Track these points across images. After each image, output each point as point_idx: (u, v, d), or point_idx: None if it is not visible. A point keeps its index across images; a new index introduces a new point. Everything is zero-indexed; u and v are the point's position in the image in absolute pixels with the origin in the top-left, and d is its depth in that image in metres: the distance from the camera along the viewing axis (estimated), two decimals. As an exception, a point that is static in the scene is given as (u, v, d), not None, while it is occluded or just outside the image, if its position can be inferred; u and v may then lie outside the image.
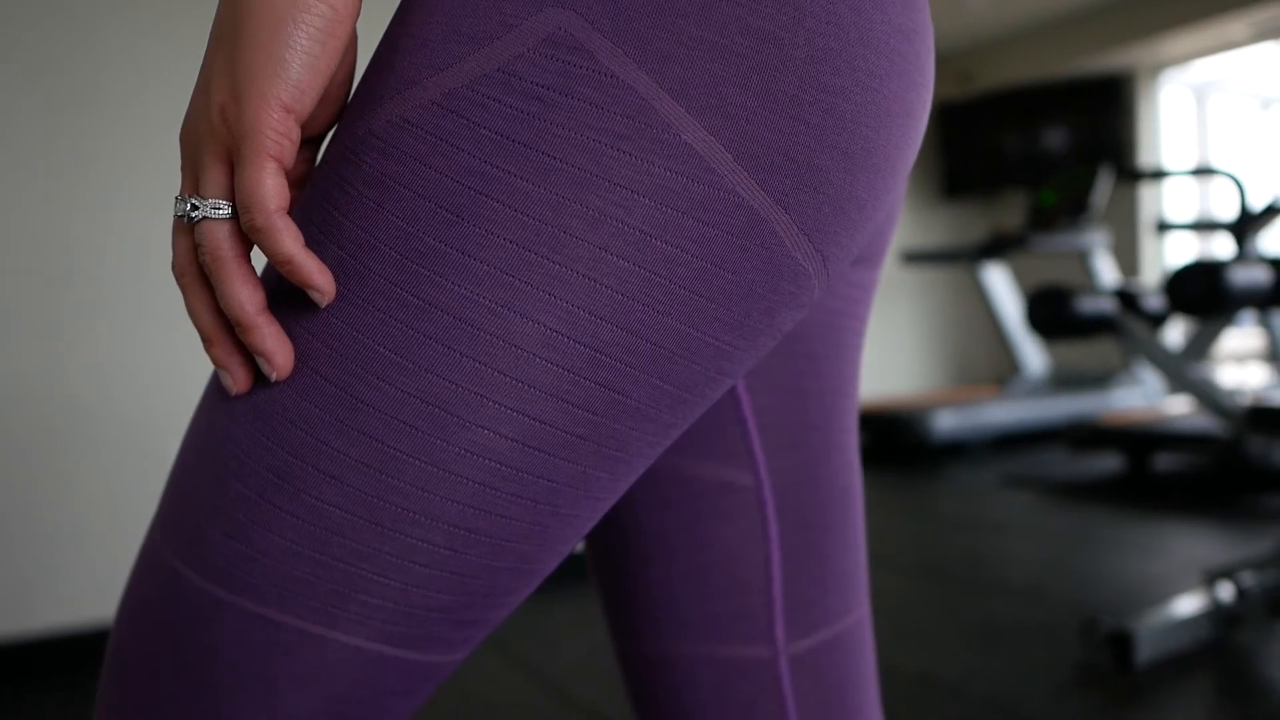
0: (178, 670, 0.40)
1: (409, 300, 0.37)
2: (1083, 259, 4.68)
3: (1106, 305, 2.23)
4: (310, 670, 0.39)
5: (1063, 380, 5.13)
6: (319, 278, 0.37)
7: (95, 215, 2.25)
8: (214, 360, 0.39)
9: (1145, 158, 5.67)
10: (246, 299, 0.37)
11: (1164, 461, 4.18)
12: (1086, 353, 5.93)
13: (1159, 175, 2.24)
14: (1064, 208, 4.40)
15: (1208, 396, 2.04)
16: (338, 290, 0.38)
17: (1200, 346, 2.18)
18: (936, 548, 2.98)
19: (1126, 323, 2.21)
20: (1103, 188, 4.18)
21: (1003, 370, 6.40)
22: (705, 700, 0.56)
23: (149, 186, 2.31)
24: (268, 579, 0.39)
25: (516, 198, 0.37)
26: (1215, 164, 2.20)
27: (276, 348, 0.38)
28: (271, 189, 0.36)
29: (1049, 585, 2.52)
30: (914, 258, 4.86)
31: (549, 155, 0.37)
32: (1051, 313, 2.19)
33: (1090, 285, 2.08)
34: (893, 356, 6.22)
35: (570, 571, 2.77)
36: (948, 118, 6.35)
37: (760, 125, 0.38)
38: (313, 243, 0.39)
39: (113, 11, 2.28)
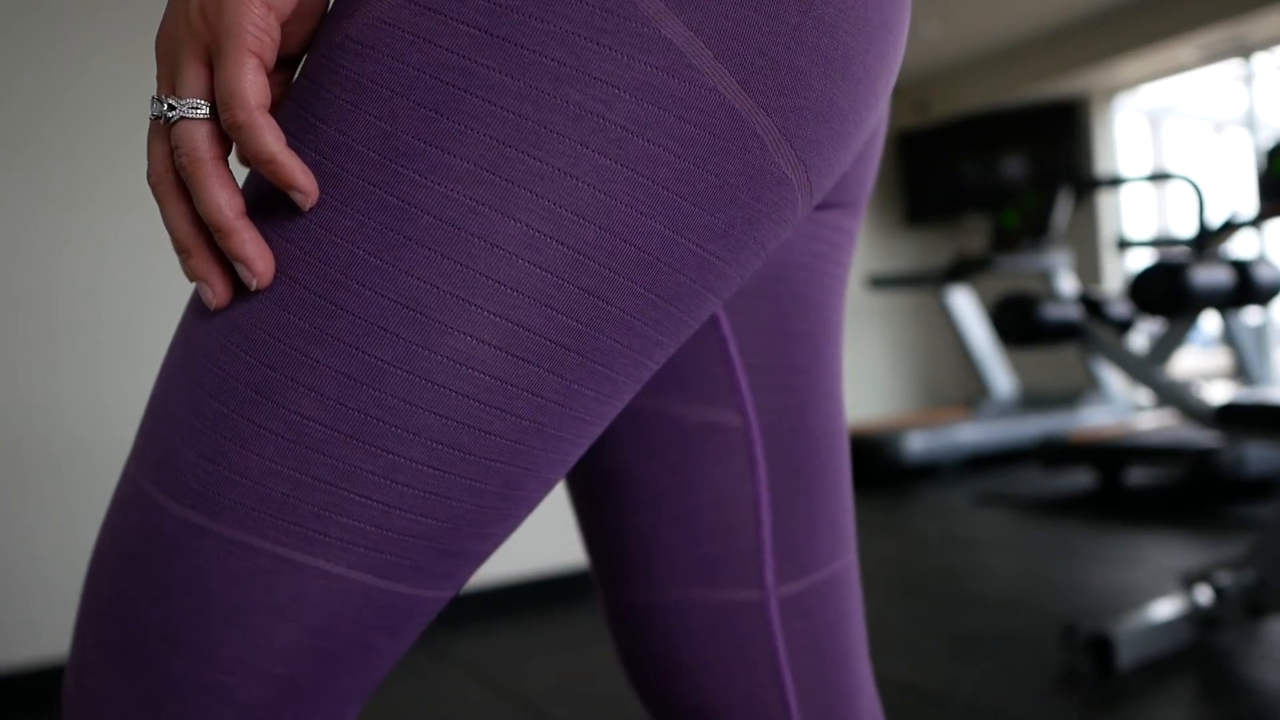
0: (154, 603, 0.39)
1: (388, 201, 0.36)
2: (1046, 279, 4.74)
3: (1072, 312, 2.25)
4: (290, 600, 0.38)
5: (1031, 400, 5.17)
6: (301, 177, 0.36)
7: (52, 239, 2.22)
8: (192, 273, 0.38)
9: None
10: (225, 203, 0.36)
11: (1136, 476, 4.21)
12: (1054, 372, 5.98)
13: (1116, 182, 2.27)
14: (1026, 229, 4.45)
15: (1176, 397, 2.05)
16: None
17: (1165, 349, 2.20)
18: (913, 564, 2.97)
19: (1091, 328, 2.23)
20: (1063, 208, 4.24)
21: (971, 392, 6.44)
22: (696, 644, 0.55)
23: (106, 211, 2.28)
24: (247, 502, 0.37)
25: (495, 93, 0.36)
26: (1172, 170, 2.23)
27: (257, 253, 0.37)
28: (252, 84, 0.35)
29: (1027, 597, 2.51)
30: (879, 282, 4.90)
31: (527, 49, 0.36)
32: (1017, 320, 2.21)
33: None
34: (862, 381, 6.24)
35: (542, 595, 2.74)
36: (907, 146, 6.43)
37: (740, 23, 0.38)
38: None
39: (79, 21, 2.26)
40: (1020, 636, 2.19)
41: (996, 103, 5.97)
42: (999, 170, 6.07)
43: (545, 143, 0.36)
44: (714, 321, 0.54)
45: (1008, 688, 1.89)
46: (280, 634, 0.38)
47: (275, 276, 0.37)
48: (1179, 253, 2.37)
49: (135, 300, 2.31)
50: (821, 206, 0.55)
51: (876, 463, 4.47)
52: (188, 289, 2.36)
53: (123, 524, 0.40)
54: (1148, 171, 2.45)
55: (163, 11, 2.33)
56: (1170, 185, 6.34)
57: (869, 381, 6.28)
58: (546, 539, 2.76)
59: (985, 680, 1.94)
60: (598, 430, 0.42)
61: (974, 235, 6.53)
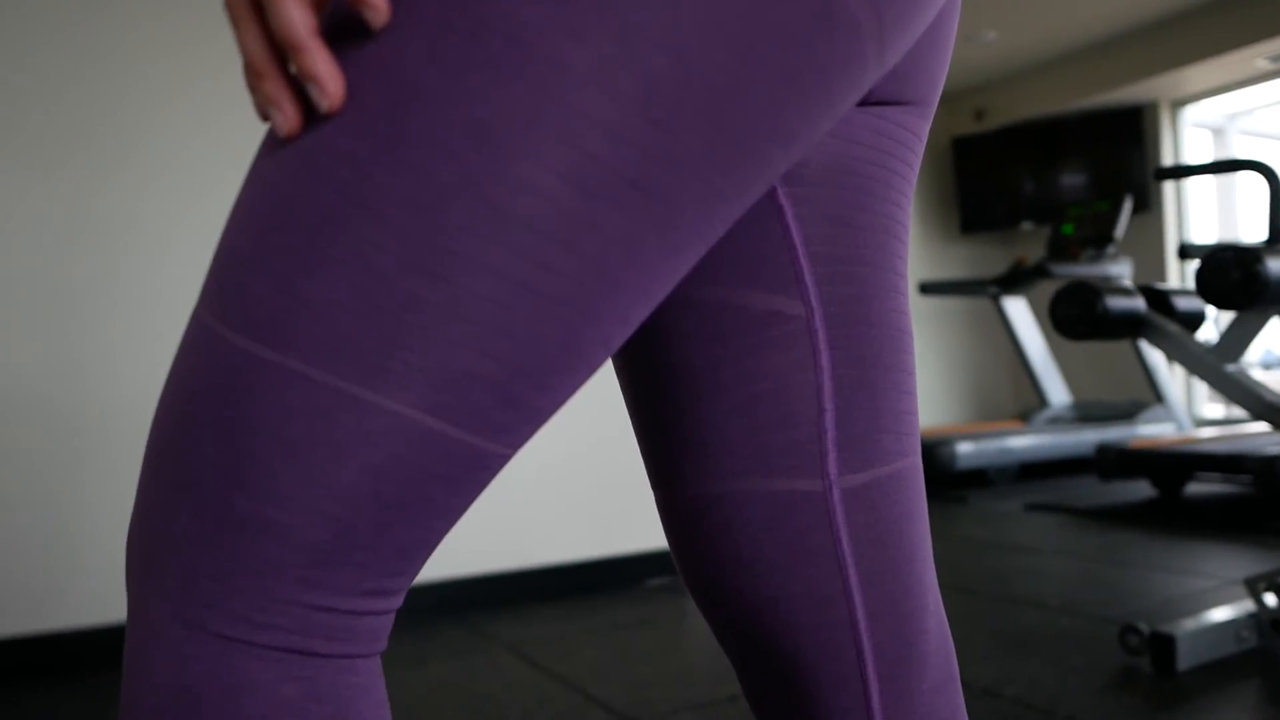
0: (217, 438, 0.38)
1: (457, 23, 0.36)
2: (1105, 288, 4.64)
3: (1135, 304, 2.19)
4: (350, 438, 0.37)
5: (1088, 414, 5.06)
6: None
7: (96, 218, 2.24)
8: (264, 97, 0.38)
9: (1165, 192, 5.65)
10: (298, 19, 0.37)
11: (1196, 488, 4.10)
12: (1112, 386, 5.85)
13: (1182, 172, 2.20)
14: (1086, 238, 4.36)
15: (1246, 394, 1.98)
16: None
17: (1235, 344, 2.11)
18: (964, 567, 2.91)
19: (1156, 321, 2.16)
20: (1124, 218, 4.15)
21: (1025, 405, 6.33)
22: (757, 535, 0.54)
23: (128, 193, 2.31)
24: (311, 332, 0.37)
25: None
26: (1243, 158, 2.14)
27: (328, 72, 0.37)
28: None
29: (1082, 599, 2.44)
30: (933, 288, 4.83)
31: None
32: (1078, 311, 2.14)
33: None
34: (913, 393, 6.16)
35: (586, 581, 2.75)
36: (961, 153, 6.36)
37: None
38: None
39: (148, 17, 2.30)
40: (1074, 636, 2.13)
41: (1055, 111, 5.88)
42: (1057, 180, 5.97)
43: None
44: (778, 209, 0.53)
45: (1061, 684, 1.83)
46: (339, 473, 0.38)
47: (344, 103, 0.37)
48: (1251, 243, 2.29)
49: (193, 267, 2.33)
50: (889, 102, 0.54)
51: (926, 468, 4.40)
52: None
53: (188, 364, 0.40)
54: (1217, 163, 2.37)
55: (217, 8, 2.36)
56: (1237, 191, 6.19)
57: (920, 392, 6.19)
58: (589, 528, 2.77)
59: (1038, 676, 1.88)
60: (660, 290, 0.41)
61: (1029, 247, 6.42)
